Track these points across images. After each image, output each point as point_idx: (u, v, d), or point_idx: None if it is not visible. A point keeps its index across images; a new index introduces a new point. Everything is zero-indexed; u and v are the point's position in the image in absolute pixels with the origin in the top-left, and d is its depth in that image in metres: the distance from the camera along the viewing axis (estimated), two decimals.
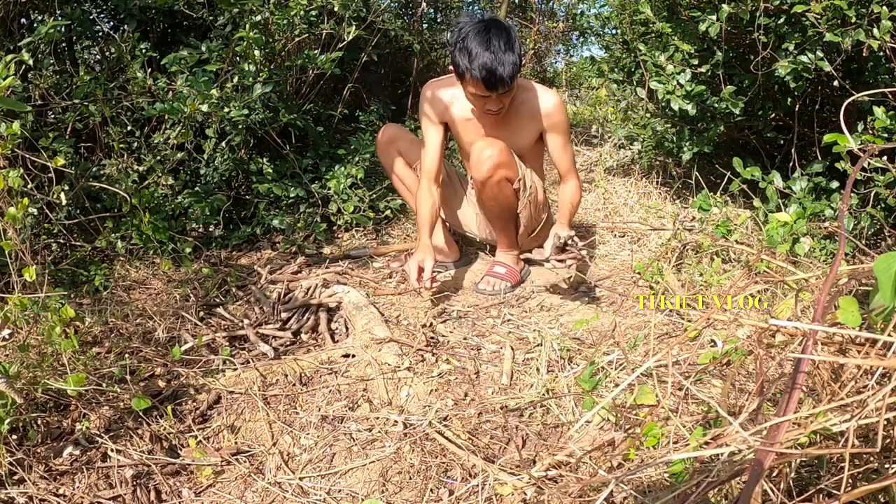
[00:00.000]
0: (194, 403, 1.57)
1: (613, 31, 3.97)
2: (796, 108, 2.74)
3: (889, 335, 0.90)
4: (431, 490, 1.30)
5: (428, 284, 2.10)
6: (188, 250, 2.43)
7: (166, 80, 2.53)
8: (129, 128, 2.56)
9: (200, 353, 1.79)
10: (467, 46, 1.93)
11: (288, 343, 1.89)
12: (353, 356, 1.77)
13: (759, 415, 1.06)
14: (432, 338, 1.88)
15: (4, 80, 1.52)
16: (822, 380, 0.99)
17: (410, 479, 1.34)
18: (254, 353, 1.82)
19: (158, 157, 2.51)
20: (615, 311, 2.09)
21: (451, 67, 2.08)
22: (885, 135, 2.21)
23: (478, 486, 1.28)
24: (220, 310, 2.09)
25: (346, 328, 1.97)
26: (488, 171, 2.12)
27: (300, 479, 1.35)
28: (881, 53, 2.26)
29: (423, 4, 4.30)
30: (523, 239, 2.36)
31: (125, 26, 2.81)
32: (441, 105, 2.25)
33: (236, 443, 1.46)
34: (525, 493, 1.22)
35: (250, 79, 2.58)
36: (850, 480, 0.95)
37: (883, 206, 2.24)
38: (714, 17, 2.54)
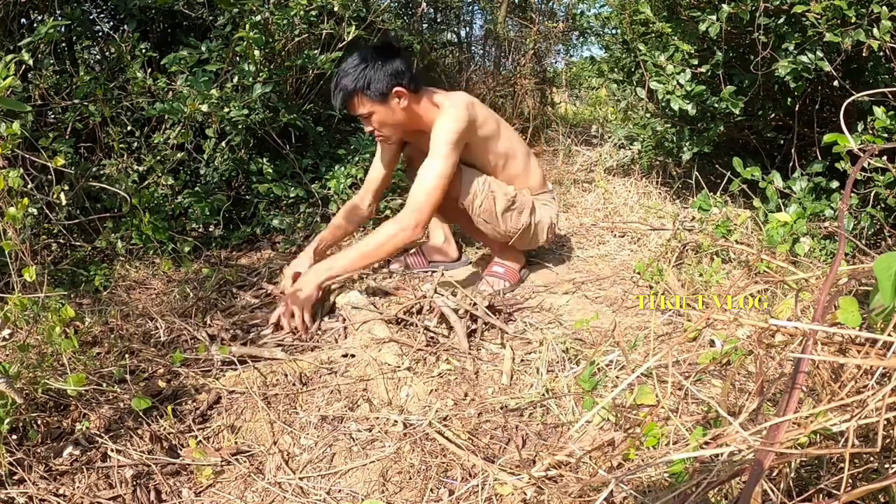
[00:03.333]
0: (194, 403, 1.57)
1: (613, 31, 3.98)
2: (796, 108, 2.74)
3: (889, 335, 0.90)
4: (431, 490, 1.30)
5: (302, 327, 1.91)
6: (188, 250, 2.43)
7: (166, 80, 2.53)
8: (129, 128, 2.57)
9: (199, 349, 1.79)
10: None
11: (287, 343, 1.89)
12: (353, 356, 1.77)
13: (759, 415, 1.06)
14: (432, 338, 1.88)
15: (4, 80, 1.52)
16: (822, 380, 0.99)
17: (410, 479, 1.34)
18: (254, 353, 1.81)
19: (158, 157, 2.51)
20: (615, 311, 2.09)
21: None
22: (885, 135, 2.21)
23: (478, 486, 1.28)
24: (219, 310, 2.09)
25: (345, 328, 1.96)
26: None
27: (300, 479, 1.35)
28: (881, 53, 2.26)
29: (423, 4, 4.30)
30: (508, 247, 2.33)
31: (125, 26, 2.81)
32: None
33: (236, 443, 1.46)
34: (525, 493, 1.22)
35: (250, 79, 2.59)
36: (850, 480, 0.95)
37: (883, 206, 2.24)
38: (714, 17, 2.54)
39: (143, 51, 2.53)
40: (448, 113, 2.04)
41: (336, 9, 2.77)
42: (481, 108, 2.17)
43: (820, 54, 2.40)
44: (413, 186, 2.02)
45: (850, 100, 1.48)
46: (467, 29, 5.53)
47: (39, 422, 1.41)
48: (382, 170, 2.34)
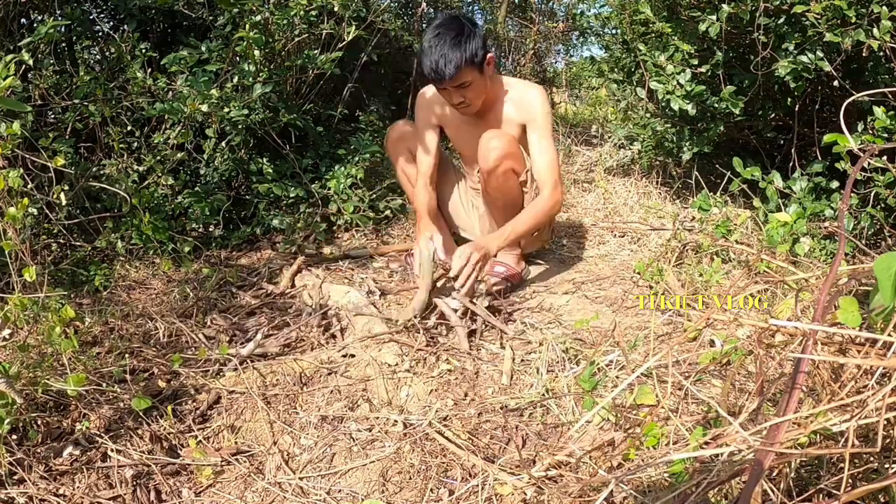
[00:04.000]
0: (194, 403, 1.57)
1: (613, 31, 3.98)
2: (796, 108, 2.74)
3: (889, 335, 0.90)
4: (431, 490, 1.30)
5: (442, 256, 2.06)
6: (188, 250, 2.43)
7: (166, 80, 2.53)
8: (129, 128, 2.56)
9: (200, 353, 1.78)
10: (422, 45, 2.10)
11: (287, 343, 1.89)
12: (353, 356, 1.77)
13: (759, 415, 1.06)
14: (432, 338, 1.88)
15: (4, 80, 1.52)
16: (822, 380, 0.99)
17: (410, 479, 1.34)
18: (254, 352, 1.81)
19: (158, 157, 2.51)
20: (615, 311, 2.09)
21: None
22: (885, 135, 2.21)
23: (478, 486, 1.28)
24: (218, 311, 2.09)
25: (345, 328, 1.96)
26: (495, 160, 2.15)
27: (300, 479, 1.35)
28: (881, 53, 2.26)
29: (423, 4, 4.30)
30: (526, 238, 2.35)
31: (125, 26, 2.81)
32: (436, 107, 2.34)
33: (236, 443, 1.46)
34: (525, 493, 1.22)
35: (250, 79, 2.58)
36: (850, 480, 0.95)
37: (883, 206, 2.24)
38: (714, 17, 2.54)
39: (143, 51, 2.53)
40: (542, 94, 2.21)
41: (336, 9, 2.77)
42: None
43: (820, 54, 2.40)
44: (541, 167, 2.16)
45: (850, 100, 1.48)
46: None
47: (39, 422, 1.41)
48: (432, 158, 2.41)
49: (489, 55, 2.11)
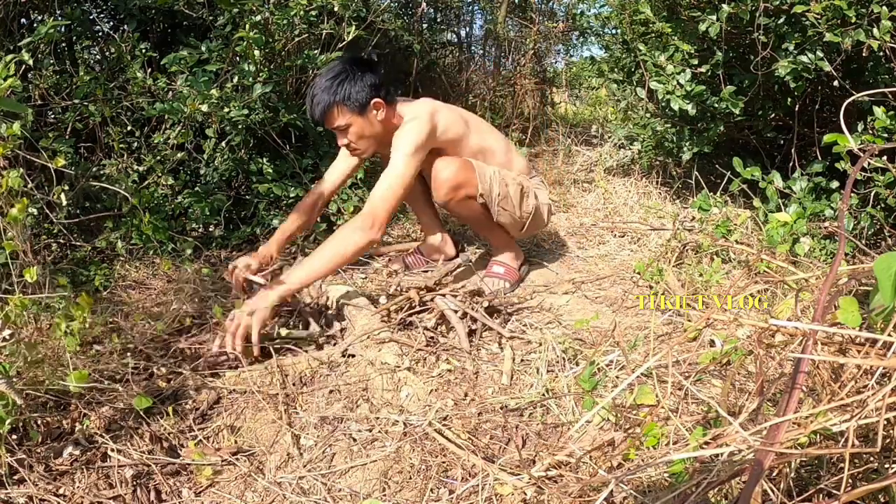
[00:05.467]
0: (194, 403, 1.57)
1: (613, 31, 3.98)
2: (796, 108, 2.74)
3: (889, 335, 0.90)
4: (431, 490, 1.30)
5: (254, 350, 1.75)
6: (188, 250, 2.43)
7: (166, 80, 2.53)
8: (129, 128, 2.57)
9: (199, 352, 1.78)
10: None
11: (287, 343, 1.89)
12: (353, 356, 1.77)
13: (759, 415, 1.06)
14: (432, 338, 1.88)
15: (4, 80, 1.52)
16: (822, 380, 0.99)
17: (410, 478, 1.34)
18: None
19: (158, 157, 2.51)
20: (615, 311, 2.09)
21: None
22: (885, 135, 2.21)
23: (478, 485, 1.28)
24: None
25: (345, 328, 1.96)
26: (446, 194, 2.12)
27: (300, 479, 1.35)
28: (881, 53, 2.26)
29: (423, 4, 4.30)
30: (516, 234, 2.35)
31: (125, 26, 2.81)
32: None
33: (236, 443, 1.46)
34: (525, 493, 1.22)
35: (250, 79, 2.58)
36: (850, 480, 0.95)
37: (883, 206, 2.24)
38: (714, 17, 2.54)
39: (143, 51, 2.53)
40: (407, 126, 2.06)
41: (336, 9, 2.77)
42: (445, 113, 2.15)
43: (820, 54, 2.40)
44: (372, 192, 1.99)
45: (850, 100, 1.48)
46: (467, 29, 5.53)
47: (39, 422, 1.41)
48: (337, 179, 2.33)
49: (375, 100, 2.02)
